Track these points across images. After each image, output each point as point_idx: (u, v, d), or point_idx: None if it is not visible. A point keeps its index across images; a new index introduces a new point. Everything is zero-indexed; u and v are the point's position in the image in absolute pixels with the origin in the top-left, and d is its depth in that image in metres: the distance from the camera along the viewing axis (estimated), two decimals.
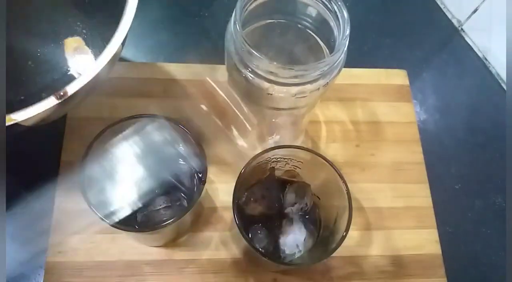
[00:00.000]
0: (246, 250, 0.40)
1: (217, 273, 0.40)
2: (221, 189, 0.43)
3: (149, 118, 0.36)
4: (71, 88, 0.30)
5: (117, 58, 0.34)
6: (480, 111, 0.52)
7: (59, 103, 0.30)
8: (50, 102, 0.30)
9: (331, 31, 0.33)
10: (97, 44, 0.43)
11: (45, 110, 0.29)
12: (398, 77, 0.52)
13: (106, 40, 0.33)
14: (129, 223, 0.36)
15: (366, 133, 0.48)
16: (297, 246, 0.37)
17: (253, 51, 0.29)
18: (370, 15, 0.57)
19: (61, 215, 0.41)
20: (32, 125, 0.31)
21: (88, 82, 0.31)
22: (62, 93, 0.30)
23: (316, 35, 0.34)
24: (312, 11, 0.34)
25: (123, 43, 0.33)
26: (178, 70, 0.49)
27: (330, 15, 0.33)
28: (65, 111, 0.33)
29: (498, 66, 0.54)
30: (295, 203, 0.39)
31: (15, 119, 0.29)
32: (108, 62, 0.32)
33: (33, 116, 0.29)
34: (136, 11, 0.48)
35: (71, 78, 0.32)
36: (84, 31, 0.44)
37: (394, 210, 0.45)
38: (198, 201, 0.34)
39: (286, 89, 0.31)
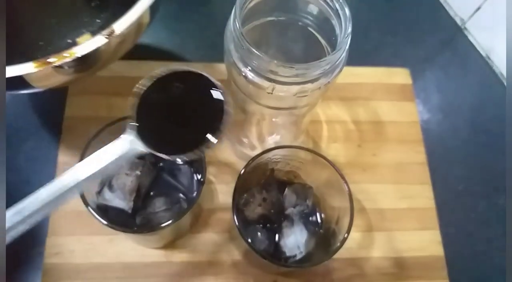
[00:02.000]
0: (246, 251, 0.40)
1: (217, 275, 0.40)
2: (220, 190, 0.43)
3: None
4: (118, 27, 0.30)
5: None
6: (483, 110, 0.52)
7: (107, 42, 0.30)
8: (99, 40, 0.29)
9: (332, 29, 0.33)
10: None
11: (98, 47, 0.29)
12: (400, 76, 0.51)
13: None
14: (128, 225, 0.36)
15: (368, 133, 0.48)
16: (298, 247, 0.37)
17: (253, 50, 0.29)
18: (372, 13, 0.57)
19: (58, 216, 0.40)
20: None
21: (133, 22, 0.31)
22: (109, 32, 0.29)
23: (317, 33, 0.34)
24: (313, 9, 0.34)
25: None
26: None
27: (331, 12, 0.32)
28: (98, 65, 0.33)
29: (502, 65, 0.53)
30: (296, 205, 0.38)
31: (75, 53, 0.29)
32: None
33: (91, 50, 0.29)
34: None
35: None
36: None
37: (396, 211, 0.44)
38: (197, 202, 0.34)
39: (287, 88, 0.31)
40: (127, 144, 0.26)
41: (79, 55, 0.29)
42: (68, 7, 0.44)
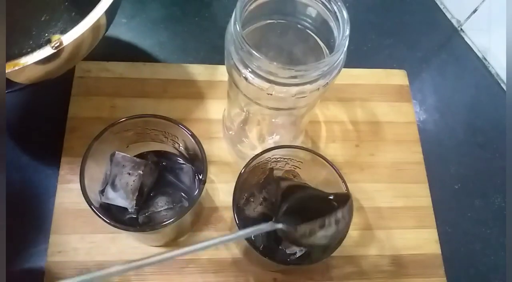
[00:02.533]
0: (246, 249, 0.40)
1: (217, 272, 0.40)
2: (221, 189, 0.43)
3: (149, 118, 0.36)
4: (65, 39, 0.32)
5: (105, 22, 0.36)
6: (480, 111, 0.52)
7: (54, 53, 0.31)
8: (46, 51, 0.31)
9: (330, 32, 0.33)
10: None
11: (42, 59, 0.31)
12: (397, 77, 0.52)
13: None
14: (130, 224, 0.36)
15: (366, 133, 0.48)
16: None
17: (253, 51, 0.29)
18: (370, 16, 0.57)
19: (61, 214, 0.41)
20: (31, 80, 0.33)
21: (81, 35, 0.32)
22: (58, 44, 0.31)
23: (316, 35, 0.34)
24: (312, 12, 0.34)
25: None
26: (178, 70, 0.49)
27: (329, 15, 0.33)
28: (54, 68, 0.34)
29: (498, 66, 0.54)
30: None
31: (24, 63, 0.31)
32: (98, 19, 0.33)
33: (40, 60, 0.31)
34: (136, 11, 0.48)
35: None
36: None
37: (393, 210, 0.45)
38: (198, 201, 0.34)
39: (286, 89, 0.31)
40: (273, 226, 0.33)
41: (27, 64, 0.31)
42: (18, 19, 0.44)
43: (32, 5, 0.44)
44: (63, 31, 0.33)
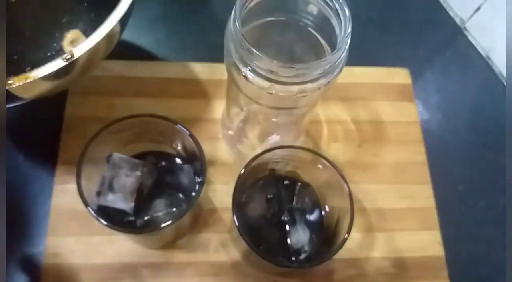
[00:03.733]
0: (246, 252, 0.40)
1: (217, 275, 0.40)
2: (220, 190, 0.43)
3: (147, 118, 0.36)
4: (77, 51, 0.32)
5: (119, 30, 0.36)
6: (483, 110, 0.52)
7: (66, 65, 0.31)
8: (58, 63, 0.31)
9: (332, 29, 0.33)
10: None
11: (54, 71, 0.31)
12: (400, 76, 0.51)
13: None
14: (128, 226, 0.36)
15: (368, 133, 0.48)
16: (303, 246, 0.37)
17: (253, 50, 0.29)
18: (372, 13, 0.57)
19: (58, 216, 0.40)
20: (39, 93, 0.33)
21: (94, 46, 0.32)
22: (69, 56, 0.31)
23: (317, 33, 0.34)
24: (313, 9, 0.34)
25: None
26: (176, 69, 0.48)
27: (331, 13, 0.32)
28: (67, 80, 0.34)
29: (501, 65, 0.53)
30: (297, 205, 0.39)
31: (34, 76, 0.30)
32: (112, 29, 0.33)
33: (47, 74, 0.31)
34: (134, 8, 0.47)
35: None
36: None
37: (396, 211, 0.44)
38: (197, 202, 0.34)
39: (287, 88, 0.31)
40: None
41: (38, 78, 0.30)
42: (42, 21, 0.45)
43: (52, 8, 0.45)
44: (84, 33, 0.32)
